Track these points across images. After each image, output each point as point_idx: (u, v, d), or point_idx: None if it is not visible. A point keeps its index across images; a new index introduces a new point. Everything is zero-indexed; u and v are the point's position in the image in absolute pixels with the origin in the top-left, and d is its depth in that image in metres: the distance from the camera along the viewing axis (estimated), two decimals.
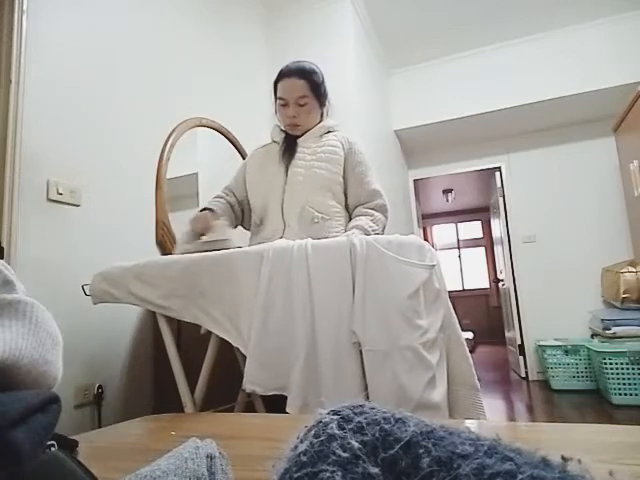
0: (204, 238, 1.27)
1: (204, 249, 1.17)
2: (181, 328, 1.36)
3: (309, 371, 0.89)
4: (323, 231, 1.26)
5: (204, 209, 1.39)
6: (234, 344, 1.03)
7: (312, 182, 1.31)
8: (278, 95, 1.38)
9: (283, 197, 1.32)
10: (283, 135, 1.43)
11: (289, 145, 1.38)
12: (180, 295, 1.08)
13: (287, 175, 1.34)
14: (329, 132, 1.41)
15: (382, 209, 1.36)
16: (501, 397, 3.47)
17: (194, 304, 1.07)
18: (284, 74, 1.37)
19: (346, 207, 1.39)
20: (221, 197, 1.49)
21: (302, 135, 1.40)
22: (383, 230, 1.36)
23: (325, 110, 1.44)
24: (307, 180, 1.31)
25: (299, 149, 1.37)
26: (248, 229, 1.50)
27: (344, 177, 1.36)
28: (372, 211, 1.34)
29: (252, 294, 1.00)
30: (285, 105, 1.36)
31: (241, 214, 1.52)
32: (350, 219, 1.37)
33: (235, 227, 1.52)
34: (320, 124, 1.41)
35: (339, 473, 0.24)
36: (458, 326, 0.97)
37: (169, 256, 1.20)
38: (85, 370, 1.45)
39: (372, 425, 0.27)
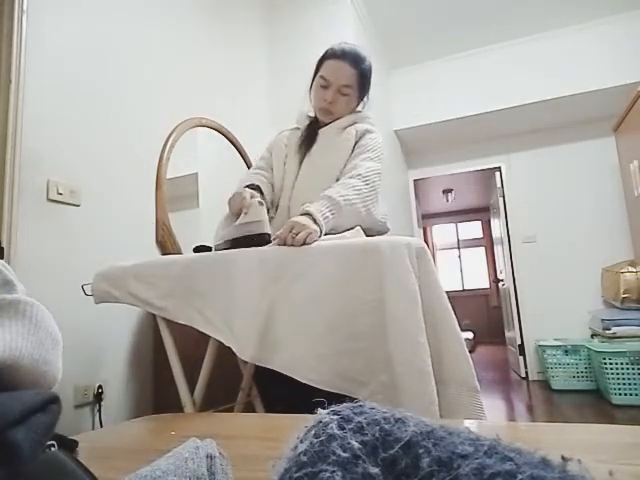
0: (237, 221, 1.13)
1: (236, 235, 1.09)
2: (181, 328, 1.36)
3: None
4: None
5: (246, 186, 1.25)
6: (226, 344, 1.02)
7: (324, 176, 1.24)
8: (321, 74, 1.26)
9: (292, 193, 1.27)
10: (307, 123, 1.34)
11: (308, 136, 1.30)
12: (177, 296, 1.07)
13: (299, 169, 1.28)
14: (353, 124, 1.30)
15: (368, 174, 1.15)
16: (501, 397, 3.47)
17: (190, 305, 1.06)
18: (337, 55, 1.25)
19: None
20: (256, 173, 1.36)
21: (326, 125, 1.31)
22: (371, 201, 1.16)
23: (362, 104, 1.35)
24: (319, 174, 1.25)
25: (318, 140, 1.29)
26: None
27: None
28: (350, 180, 1.14)
29: (250, 295, 1.00)
30: (326, 87, 1.26)
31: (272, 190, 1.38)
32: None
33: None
34: (347, 116, 1.30)
35: (339, 473, 0.24)
36: (457, 326, 0.97)
37: (169, 256, 1.20)
38: (85, 370, 1.45)
39: (372, 425, 0.27)
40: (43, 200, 1.39)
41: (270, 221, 1.19)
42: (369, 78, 1.29)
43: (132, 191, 1.74)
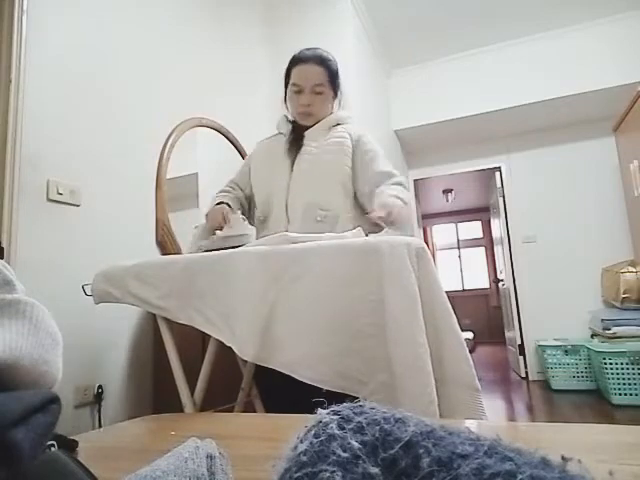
0: (220, 233, 1.19)
1: (222, 246, 1.12)
2: (181, 328, 1.36)
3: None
4: (328, 228, 1.22)
5: (219, 203, 1.32)
6: (227, 344, 1.02)
7: (319, 177, 1.26)
8: (292, 81, 1.31)
9: (288, 193, 1.28)
10: (290, 126, 1.37)
11: (295, 138, 1.33)
12: (177, 296, 1.07)
13: (292, 170, 1.30)
14: (338, 125, 1.35)
15: (404, 185, 1.27)
16: (501, 397, 3.47)
17: (190, 305, 1.06)
18: (301, 59, 1.31)
19: (355, 200, 1.33)
20: (228, 191, 1.43)
21: (310, 127, 1.34)
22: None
23: (337, 102, 1.38)
24: (314, 174, 1.27)
25: (306, 142, 1.32)
26: (252, 225, 1.47)
27: (353, 168, 1.30)
28: (396, 186, 1.24)
29: (250, 294, 1.00)
30: (299, 92, 1.31)
31: (248, 209, 1.46)
32: (361, 213, 1.31)
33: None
34: (330, 116, 1.35)
35: (339, 473, 0.24)
36: (457, 326, 0.97)
37: (169, 256, 1.20)
38: (85, 370, 1.45)
39: (372, 425, 0.27)
40: (43, 200, 1.39)
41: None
42: (337, 73, 1.34)
43: (132, 191, 1.74)
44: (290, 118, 1.40)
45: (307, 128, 1.35)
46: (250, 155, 1.48)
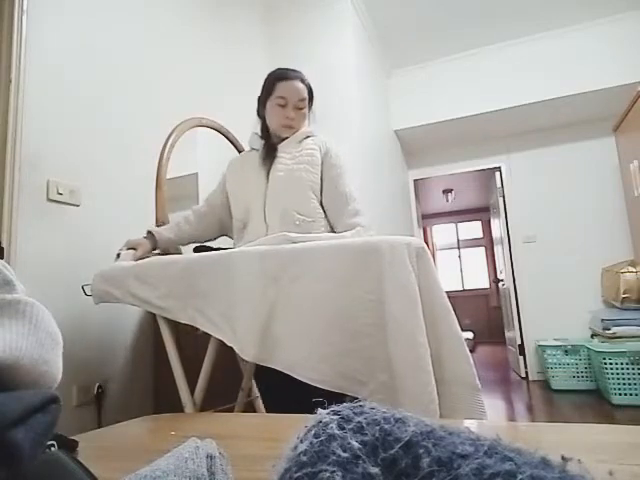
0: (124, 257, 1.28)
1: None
2: (181, 328, 1.36)
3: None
4: (307, 232, 1.26)
5: (149, 233, 1.42)
6: (228, 344, 1.02)
7: (293, 184, 1.32)
8: (279, 94, 1.38)
9: (265, 201, 1.33)
10: (262, 142, 1.44)
11: (269, 150, 1.40)
12: (177, 296, 1.08)
13: (268, 180, 1.35)
14: (307, 137, 1.43)
15: (358, 215, 1.34)
16: (501, 397, 3.47)
17: (191, 305, 1.07)
18: (289, 76, 1.39)
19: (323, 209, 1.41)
20: (190, 214, 1.53)
21: (282, 141, 1.42)
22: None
23: (308, 119, 1.47)
24: (288, 182, 1.32)
25: (279, 154, 1.38)
26: (232, 238, 1.50)
27: (321, 179, 1.37)
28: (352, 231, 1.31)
29: (251, 294, 1.00)
30: (284, 105, 1.38)
31: (220, 224, 1.53)
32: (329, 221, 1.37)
33: (206, 240, 1.54)
34: (300, 130, 1.44)
35: (339, 473, 0.24)
36: (457, 325, 0.97)
37: (169, 256, 1.20)
38: (85, 370, 1.45)
39: (372, 425, 0.27)
40: (43, 200, 1.39)
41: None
42: (312, 92, 1.45)
43: (132, 191, 1.74)
44: (259, 134, 1.47)
45: (279, 142, 1.42)
46: (224, 172, 1.55)
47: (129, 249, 1.31)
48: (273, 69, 1.45)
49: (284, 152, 1.39)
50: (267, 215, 1.32)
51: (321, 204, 1.37)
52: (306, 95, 1.40)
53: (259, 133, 1.47)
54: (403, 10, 3.17)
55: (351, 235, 1.23)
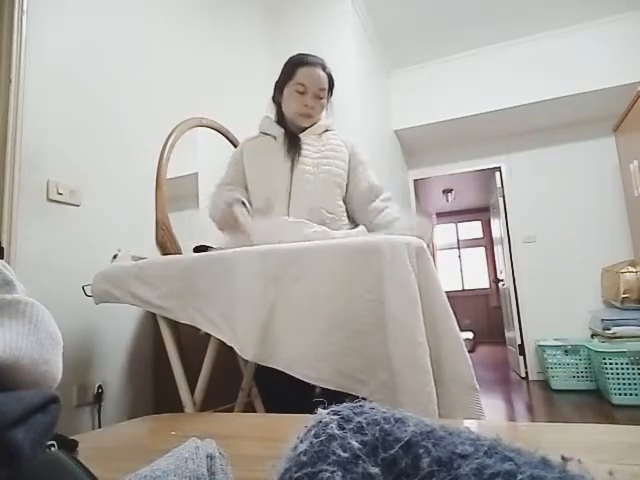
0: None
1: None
2: (181, 328, 1.37)
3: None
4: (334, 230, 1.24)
5: (232, 202, 1.28)
6: (228, 343, 1.02)
7: (322, 181, 1.29)
8: (299, 81, 1.32)
9: (289, 197, 1.28)
10: (281, 129, 1.37)
11: (292, 140, 1.33)
12: (178, 296, 1.08)
13: (292, 173, 1.30)
14: (327, 131, 1.40)
15: (390, 199, 1.39)
16: (501, 397, 3.47)
17: (191, 305, 1.06)
18: (310, 62, 1.34)
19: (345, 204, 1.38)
20: (232, 189, 1.39)
21: (302, 131, 1.37)
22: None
23: (326, 110, 1.42)
24: (317, 179, 1.29)
25: (304, 146, 1.33)
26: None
27: (347, 175, 1.36)
28: (394, 204, 1.38)
29: (251, 294, 1.00)
30: (303, 93, 1.32)
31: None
32: (349, 216, 1.36)
33: None
34: (320, 122, 1.40)
35: (339, 473, 0.24)
36: (456, 326, 0.97)
37: (169, 256, 1.20)
38: (85, 370, 1.45)
39: (372, 425, 0.27)
40: (43, 200, 1.39)
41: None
42: (333, 81, 1.39)
43: (132, 191, 1.74)
44: (274, 119, 1.40)
45: (299, 131, 1.37)
46: (239, 155, 1.44)
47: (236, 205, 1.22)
48: (294, 54, 1.38)
49: (307, 144, 1.34)
50: (291, 210, 1.27)
51: (343, 200, 1.36)
52: (326, 85, 1.35)
53: (272, 117, 1.41)
54: (403, 10, 3.17)
55: (356, 233, 1.22)
